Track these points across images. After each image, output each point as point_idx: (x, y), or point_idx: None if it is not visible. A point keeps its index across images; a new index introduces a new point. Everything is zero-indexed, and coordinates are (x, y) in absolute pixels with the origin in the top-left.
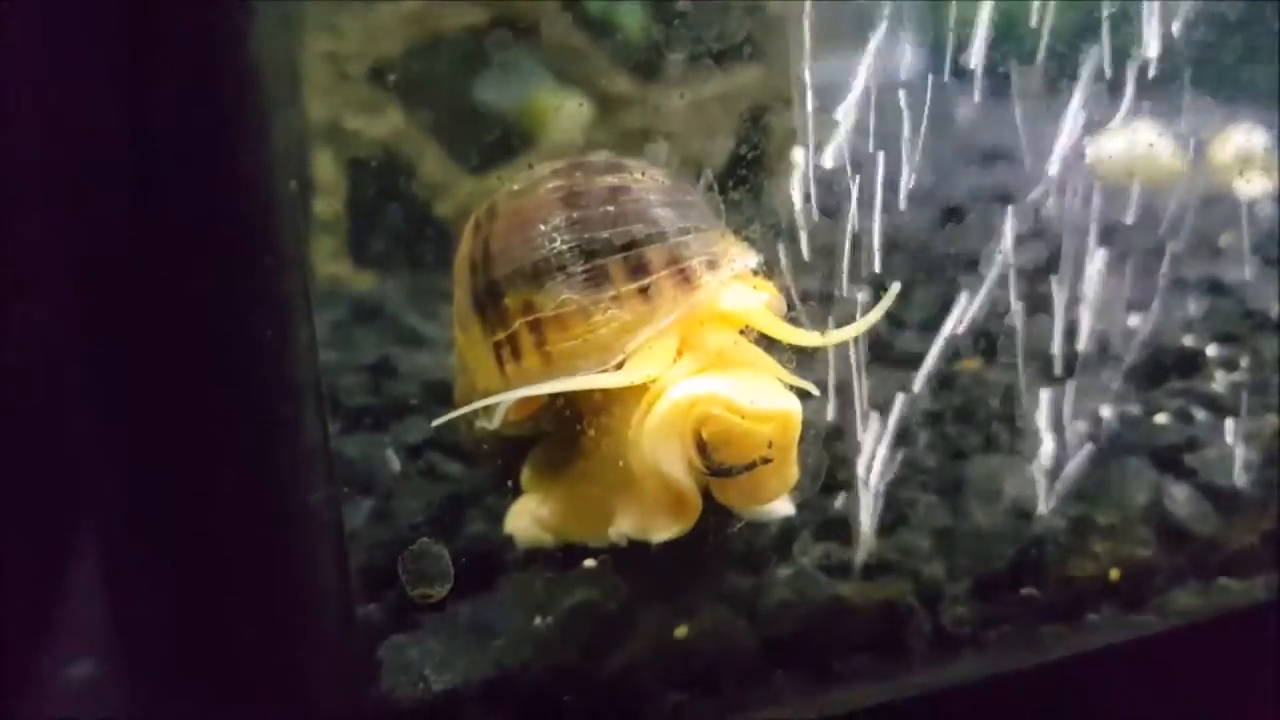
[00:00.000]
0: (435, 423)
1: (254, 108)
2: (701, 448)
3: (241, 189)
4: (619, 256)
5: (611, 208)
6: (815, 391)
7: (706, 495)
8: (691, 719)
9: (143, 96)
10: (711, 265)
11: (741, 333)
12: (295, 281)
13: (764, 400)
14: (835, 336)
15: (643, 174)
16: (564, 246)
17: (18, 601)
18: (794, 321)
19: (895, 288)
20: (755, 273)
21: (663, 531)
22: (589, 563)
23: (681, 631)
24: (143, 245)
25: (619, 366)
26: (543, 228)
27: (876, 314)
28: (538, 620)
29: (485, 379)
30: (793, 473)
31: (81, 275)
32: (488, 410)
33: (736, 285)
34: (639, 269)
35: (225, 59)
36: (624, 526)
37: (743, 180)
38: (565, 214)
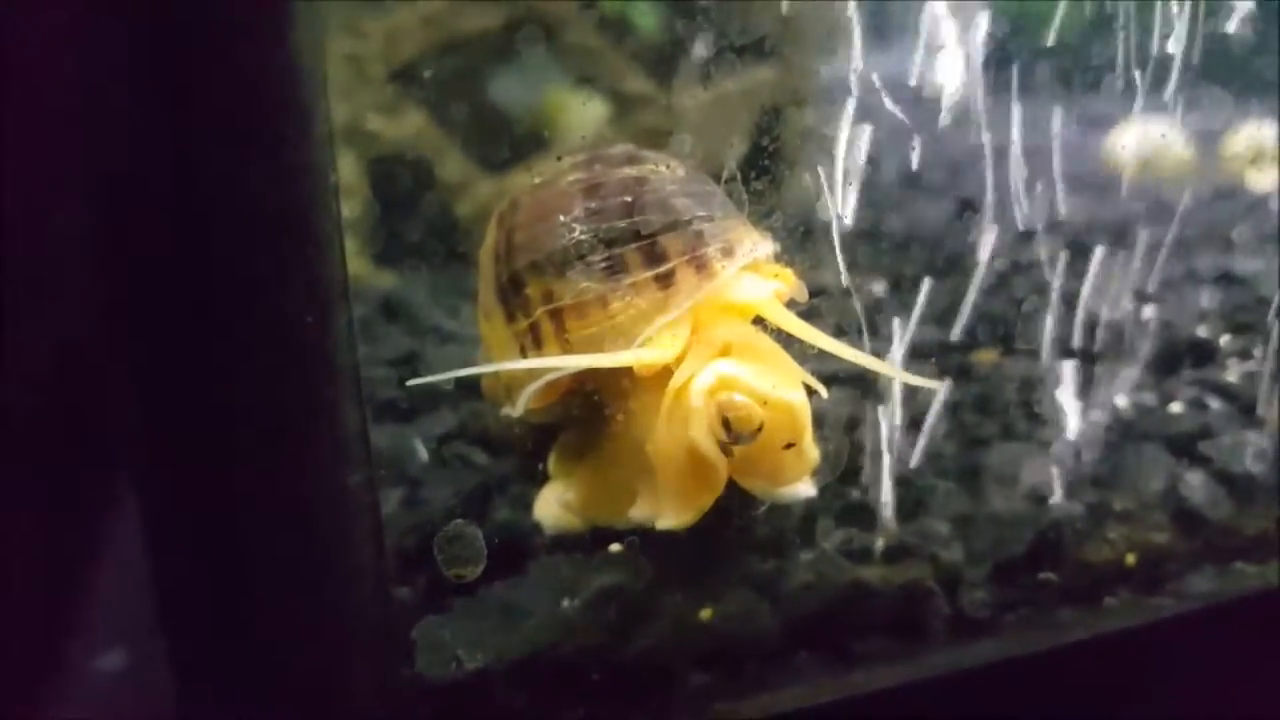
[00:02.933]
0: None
1: (296, 102)
2: (726, 425)
3: (285, 180)
4: (636, 245)
5: (629, 198)
6: (823, 391)
7: (729, 480)
8: (716, 698)
9: (190, 89)
10: (727, 253)
11: (760, 322)
12: (334, 269)
13: (772, 391)
14: (840, 349)
15: (661, 165)
16: (583, 236)
17: (45, 591)
18: (814, 310)
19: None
20: (775, 259)
21: (673, 519)
22: (615, 547)
23: (706, 613)
24: (188, 233)
25: None
26: (563, 218)
27: (887, 368)
28: (566, 603)
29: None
30: (812, 456)
31: (127, 261)
32: (511, 398)
33: (749, 275)
34: (656, 257)
35: (269, 55)
36: (638, 513)
37: (764, 171)
38: (584, 205)
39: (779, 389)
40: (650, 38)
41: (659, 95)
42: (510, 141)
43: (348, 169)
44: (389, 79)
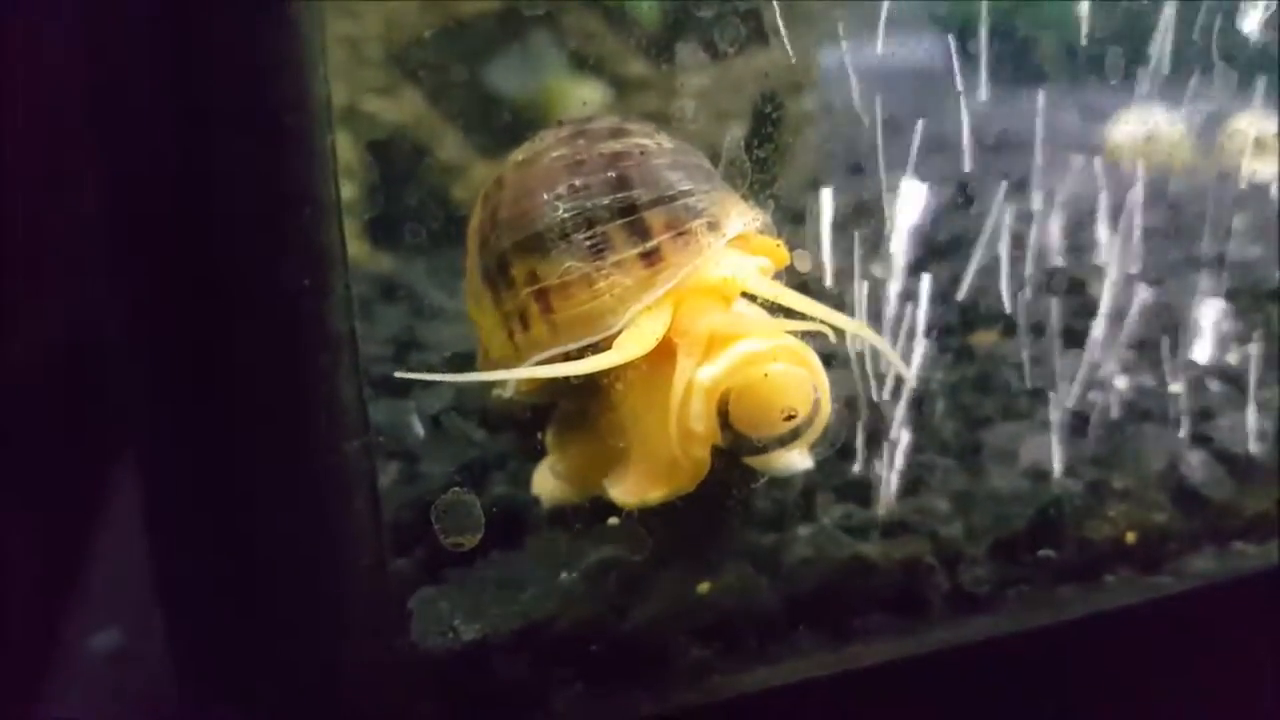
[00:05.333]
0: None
1: (294, 64)
2: (728, 428)
3: (282, 141)
4: (620, 222)
5: (612, 173)
6: (830, 333)
7: (728, 454)
8: (714, 673)
9: (188, 51)
10: (713, 227)
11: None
12: (331, 232)
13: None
14: (828, 314)
15: (647, 138)
16: (566, 215)
17: (39, 572)
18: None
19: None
20: (763, 232)
21: (625, 497)
22: (613, 520)
23: (704, 587)
24: (186, 195)
25: (619, 334)
26: (546, 196)
27: (874, 336)
28: (563, 575)
29: (497, 349)
30: (824, 411)
31: (126, 223)
32: (502, 380)
33: (734, 252)
34: (640, 234)
35: (269, 15)
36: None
37: (768, 139)
38: (568, 182)
39: (777, 349)
40: (650, 21)
41: (658, 79)
42: (508, 125)
43: (345, 151)
44: (386, 61)
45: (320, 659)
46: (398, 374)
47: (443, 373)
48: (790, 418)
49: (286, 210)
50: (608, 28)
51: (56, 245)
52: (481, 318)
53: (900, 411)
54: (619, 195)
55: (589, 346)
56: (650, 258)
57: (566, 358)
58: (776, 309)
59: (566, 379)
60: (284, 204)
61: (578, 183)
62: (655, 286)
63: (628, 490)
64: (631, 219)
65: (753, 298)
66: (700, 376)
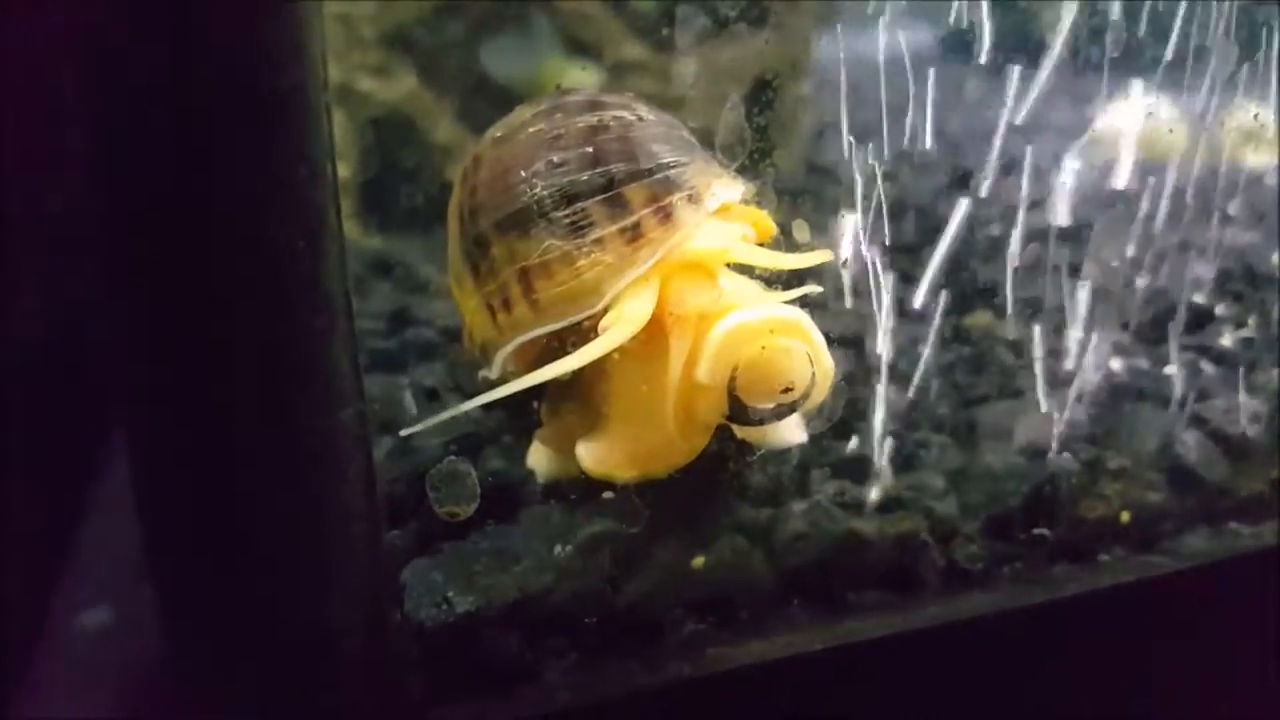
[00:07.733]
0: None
1: (288, 22)
2: (733, 396)
3: (275, 101)
4: (600, 198)
5: (590, 148)
6: (818, 289)
7: (722, 429)
8: (708, 646)
9: (184, 14)
10: (694, 200)
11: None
12: (325, 194)
13: (773, 313)
14: (809, 258)
15: (624, 111)
16: (545, 192)
17: (28, 547)
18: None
19: None
20: (748, 202)
21: (594, 465)
22: (608, 494)
23: (699, 561)
24: (180, 154)
25: (604, 312)
26: (524, 174)
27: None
28: (558, 549)
29: (480, 330)
30: (826, 366)
31: (120, 183)
32: (487, 360)
33: (715, 223)
34: (620, 209)
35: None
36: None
37: (768, 105)
38: (545, 158)
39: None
40: (647, 4)
41: (655, 62)
42: (504, 105)
43: (339, 130)
44: (381, 40)
45: (313, 630)
46: (403, 432)
47: (436, 343)
48: (788, 390)
49: (281, 171)
50: (604, 10)
51: (44, 212)
52: (464, 299)
53: (890, 386)
54: (597, 170)
55: (572, 325)
56: (631, 234)
57: (551, 338)
58: (775, 280)
59: (558, 350)
60: (278, 164)
61: (555, 158)
62: (638, 263)
63: (597, 459)
64: (611, 194)
65: (747, 270)
66: (700, 377)
